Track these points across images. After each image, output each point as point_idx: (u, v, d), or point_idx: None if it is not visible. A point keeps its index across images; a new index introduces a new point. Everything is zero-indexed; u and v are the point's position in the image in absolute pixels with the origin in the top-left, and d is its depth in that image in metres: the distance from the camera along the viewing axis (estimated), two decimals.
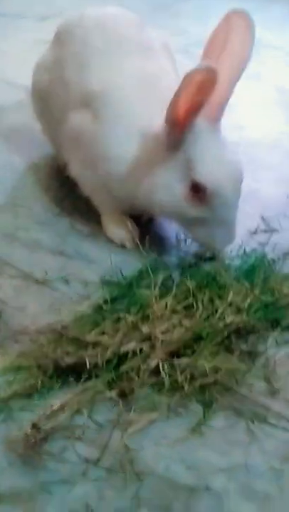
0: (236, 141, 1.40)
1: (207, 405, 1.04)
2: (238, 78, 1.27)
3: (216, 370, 1.06)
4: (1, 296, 1.21)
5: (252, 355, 1.13)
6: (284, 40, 2.87)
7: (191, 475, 0.95)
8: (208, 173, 1.23)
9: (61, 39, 1.46)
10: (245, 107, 2.17)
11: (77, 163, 1.40)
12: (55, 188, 1.56)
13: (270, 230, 1.46)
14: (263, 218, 1.50)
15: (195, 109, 1.19)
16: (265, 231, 1.45)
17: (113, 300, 1.19)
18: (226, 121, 1.31)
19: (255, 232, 1.44)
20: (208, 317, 1.12)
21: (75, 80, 1.38)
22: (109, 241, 1.40)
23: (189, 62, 1.36)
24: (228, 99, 1.27)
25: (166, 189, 1.25)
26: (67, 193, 1.52)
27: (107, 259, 1.32)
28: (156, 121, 1.26)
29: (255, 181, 1.60)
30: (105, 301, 1.18)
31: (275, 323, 1.19)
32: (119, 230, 1.40)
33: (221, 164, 1.24)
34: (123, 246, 1.39)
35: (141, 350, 1.07)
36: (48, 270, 1.28)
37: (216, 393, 1.05)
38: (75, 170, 1.41)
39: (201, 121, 1.23)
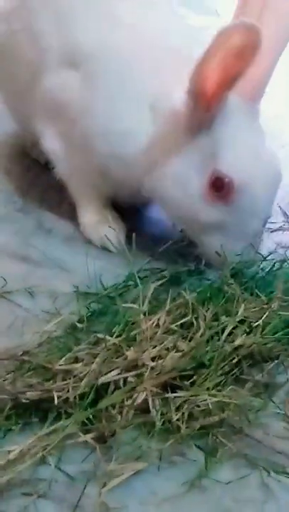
0: None
1: (210, 452, 1.03)
2: (285, 44, 1.28)
3: (221, 407, 1.06)
4: None
5: (268, 388, 1.14)
6: None
7: None
8: (236, 163, 1.23)
9: None
10: None
11: (55, 138, 1.41)
12: (19, 175, 1.57)
13: None
14: (284, 212, 1.51)
15: (228, 81, 1.18)
16: (284, 229, 1.47)
17: (90, 317, 1.20)
18: None
19: (273, 230, 1.45)
20: (211, 338, 1.13)
21: (53, 33, 1.39)
22: (87, 242, 1.42)
23: (195, 15, 1.38)
24: (270, 73, 1.28)
25: (179, 182, 1.26)
26: (33, 180, 1.53)
27: (83, 265, 1.33)
28: (171, 92, 1.26)
29: None
30: (80, 319, 1.19)
31: None
32: (100, 228, 1.42)
33: (255, 155, 1.25)
34: (105, 248, 1.40)
35: (125, 381, 1.07)
36: (8, 280, 1.29)
37: (221, 437, 1.05)
38: (52, 146, 1.42)
39: (234, 99, 1.23)
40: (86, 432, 1.02)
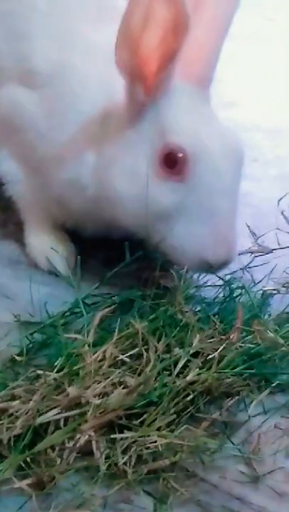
0: None
1: (160, 499, 1.04)
2: (227, 26, 1.30)
3: (173, 448, 1.07)
4: None
5: (227, 428, 1.14)
6: None
7: None
8: (187, 130, 1.24)
9: None
10: (242, 76, 2.21)
11: (9, 158, 1.44)
12: None
13: (263, 251, 1.49)
14: (252, 233, 1.53)
15: (166, 57, 1.20)
16: (253, 252, 1.49)
17: (31, 349, 1.20)
18: (214, 95, 1.34)
19: (241, 252, 1.47)
20: (162, 372, 1.13)
21: (8, 51, 1.41)
22: (33, 265, 1.43)
23: None
24: (216, 56, 1.30)
25: (127, 173, 1.26)
26: None
27: (27, 291, 1.33)
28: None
29: (246, 180, 1.63)
30: (20, 352, 1.20)
31: (261, 382, 1.21)
32: (48, 249, 1.43)
33: (208, 125, 1.26)
34: (52, 272, 1.41)
35: (66, 420, 1.07)
36: None
37: (172, 482, 1.05)
38: (6, 166, 1.45)
39: (181, 84, 1.26)
40: (22, 477, 1.02)
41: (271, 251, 1.52)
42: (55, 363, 1.14)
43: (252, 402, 1.18)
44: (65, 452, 1.05)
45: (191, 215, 1.24)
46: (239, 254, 1.46)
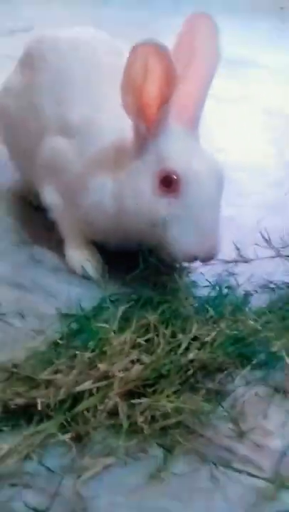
0: None
1: (168, 449, 1.04)
2: (209, 82, 1.34)
3: (178, 410, 1.07)
4: None
5: (219, 395, 1.15)
6: (271, 59, 2.95)
7: None
8: (179, 158, 1.27)
9: (32, 63, 1.52)
10: (228, 129, 2.23)
11: (53, 193, 1.45)
12: (16, 215, 1.59)
13: (244, 260, 1.50)
14: (236, 247, 1.54)
15: (164, 98, 1.23)
16: (237, 261, 1.50)
17: (69, 335, 1.21)
18: (207, 143, 1.36)
19: (228, 261, 1.48)
20: (170, 353, 1.14)
21: (52, 109, 1.45)
22: (71, 272, 1.44)
23: None
24: (201, 104, 1.34)
25: (132, 188, 1.29)
26: (27, 220, 1.55)
27: (66, 291, 1.35)
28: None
29: (233, 207, 1.65)
30: (61, 337, 1.20)
31: (245, 361, 1.21)
32: (82, 260, 1.44)
33: (196, 154, 1.29)
34: (85, 277, 1.42)
35: (97, 389, 1.08)
36: (2, 303, 1.30)
37: (178, 436, 1.06)
38: (50, 199, 1.46)
39: (176, 125, 1.29)
40: (64, 432, 1.03)
41: (251, 261, 1.52)
42: (89, 346, 1.15)
43: (237, 376, 1.19)
44: (97, 413, 1.05)
45: (184, 222, 1.27)
46: (226, 263, 1.49)
